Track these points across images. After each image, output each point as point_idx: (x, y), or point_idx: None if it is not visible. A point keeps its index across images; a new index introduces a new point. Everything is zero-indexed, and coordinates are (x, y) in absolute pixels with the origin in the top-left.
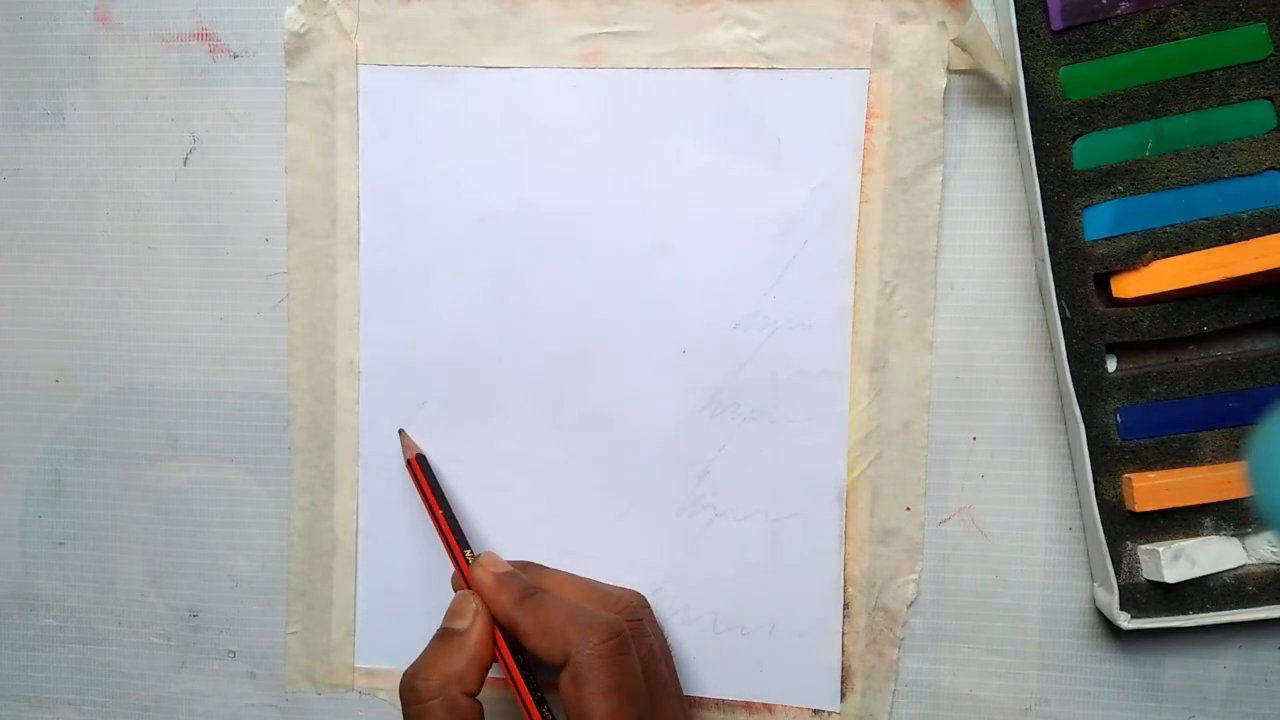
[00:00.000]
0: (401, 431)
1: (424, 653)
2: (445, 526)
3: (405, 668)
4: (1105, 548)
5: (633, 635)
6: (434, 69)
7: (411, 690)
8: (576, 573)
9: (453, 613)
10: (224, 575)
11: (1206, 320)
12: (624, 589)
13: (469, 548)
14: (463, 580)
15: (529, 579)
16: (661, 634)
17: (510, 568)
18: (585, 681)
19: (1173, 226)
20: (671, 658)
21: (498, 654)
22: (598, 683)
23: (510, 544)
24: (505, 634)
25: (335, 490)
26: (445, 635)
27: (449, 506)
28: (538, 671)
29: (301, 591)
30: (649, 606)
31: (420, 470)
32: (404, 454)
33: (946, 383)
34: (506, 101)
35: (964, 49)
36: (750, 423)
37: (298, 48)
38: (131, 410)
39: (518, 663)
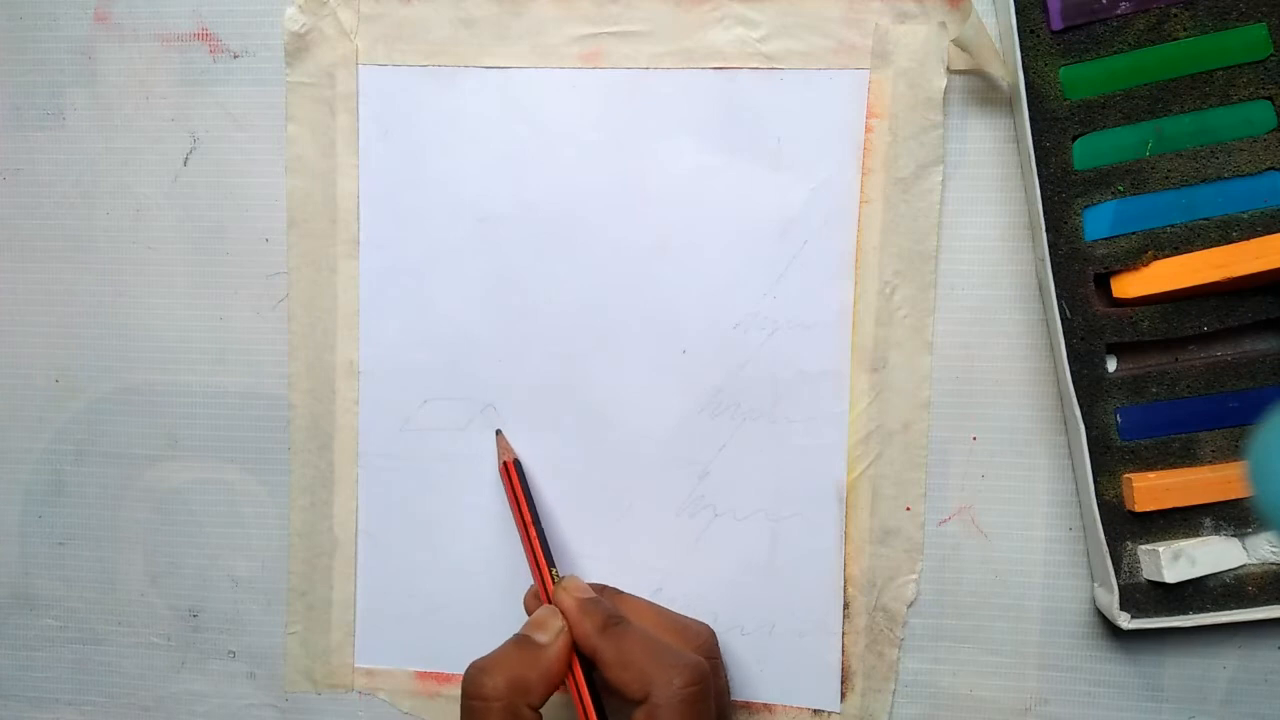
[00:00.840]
0: (499, 433)
1: (498, 651)
2: (535, 540)
3: (405, 668)
4: (1105, 548)
5: (712, 675)
6: (434, 69)
7: (477, 685)
8: (579, 574)
9: (536, 623)
10: (224, 575)
11: (1206, 320)
12: (699, 622)
13: (554, 565)
14: (544, 597)
15: (612, 606)
16: (725, 670)
17: (593, 593)
18: None
19: (1173, 226)
20: (729, 695)
21: (571, 678)
22: None
23: (511, 544)
24: (582, 660)
25: (335, 490)
26: (523, 642)
27: (539, 518)
28: (610, 704)
29: (301, 591)
30: (717, 641)
31: (515, 476)
32: (499, 456)
33: (946, 383)
34: (506, 102)
35: (964, 49)
36: (750, 423)
37: (298, 48)
38: (131, 410)
39: (592, 694)
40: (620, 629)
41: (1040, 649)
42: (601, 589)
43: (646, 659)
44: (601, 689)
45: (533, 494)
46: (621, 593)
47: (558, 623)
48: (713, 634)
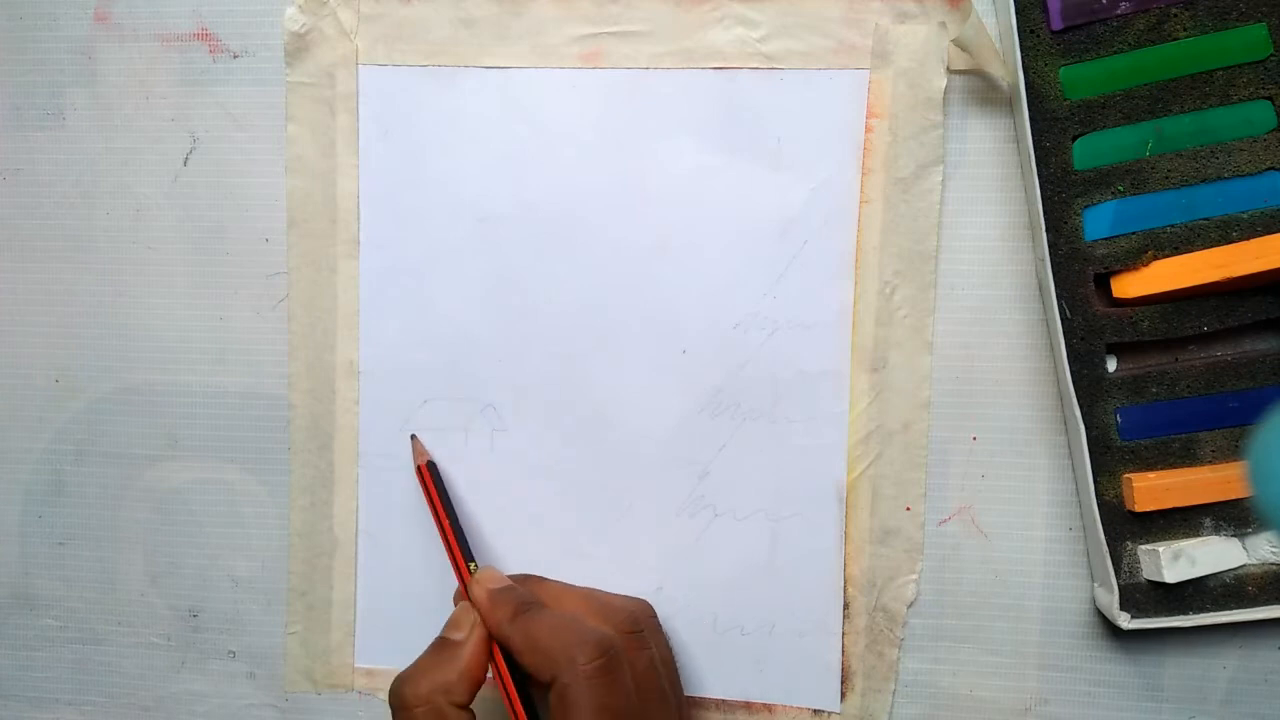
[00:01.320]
0: (413, 437)
1: (417, 660)
2: (451, 537)
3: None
4: (1105, 548)
5: (631, 648)
6: (434, 69)
7: (399, 696)
8: (579, 574)
9: (452, 623)
10: (224, 575)
11: (1206, 320)
12: (628, 598)
13: (473, 560)
14: (464, 593)
15: (526, 593)
16: (666, 643)
17: (508, 582)
18: (571, 703)
19: (1173, 226)
20: (675, 668)
21: (494, 669)
22: (584, 704)
23: (510, 544)
24: (504, 652)
25: (335, 490)
26: (441, 645)
27: (455, 516)
28: (535, 689)
29: (301, 591)
30: (654, 615)
31: (430, 478)
32: (414, 460)
33: (946, 383)
34: (506, 102)
35: (964, 49)
36: (750, 423)
37: (298, 48)
38: (131, 410)
39: (515, 680)
40: (529, 615)
41: (1040, 649)
42: (524, 579)
43: (552, 640)
44: (526, 678)
45: (447, 492)
46: (545, 580)
47: (471, 618)
48: (642, 607)
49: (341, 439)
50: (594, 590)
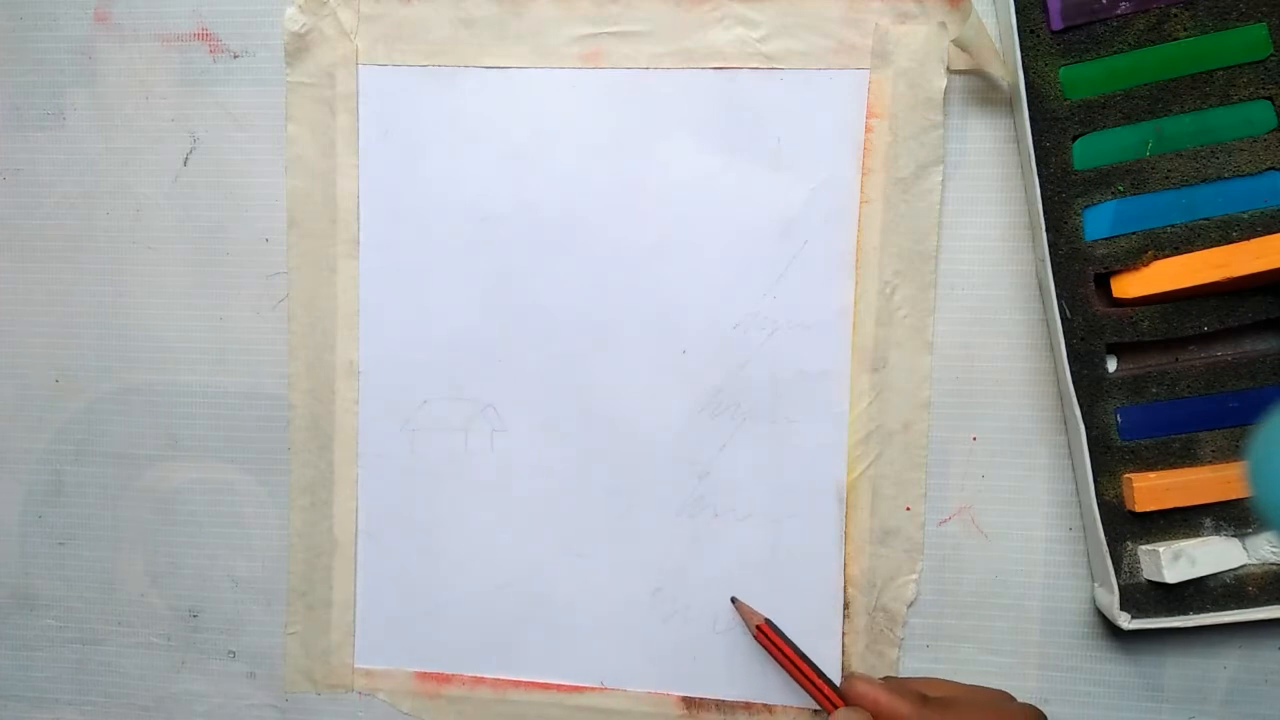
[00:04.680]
0: (735, 600)
1: None
2: (814, 677)
3: (405, 668)
4: (1105, 548)
5: None
6: (434, 69)
7: None
8: (579, 573)
9: None
10: (224, 575)
11: (1206, 320)
12: (1023, 705)
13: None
14: (829, 707)
15: (912, 687)
16: None
17: (881, 683)
18: None
19: (1173, 226)
20: None
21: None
22: None
23: (510, 544)
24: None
25: (335, 490)
26: None
27: (810, 661)
28: None
29: (301, 592)
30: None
31: (773, 634)
32: (748, 623)
33: (946, 383)
34: (506, 101)
35: (964, 49)
36: (750, 423)
37: (298, 48)
38: (131, 410)
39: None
40: (942, 705)
41: (1040, 649)
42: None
43: None
44: None
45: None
46: (893, 677)
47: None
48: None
49: (341, 439)
50: (976, 688)
